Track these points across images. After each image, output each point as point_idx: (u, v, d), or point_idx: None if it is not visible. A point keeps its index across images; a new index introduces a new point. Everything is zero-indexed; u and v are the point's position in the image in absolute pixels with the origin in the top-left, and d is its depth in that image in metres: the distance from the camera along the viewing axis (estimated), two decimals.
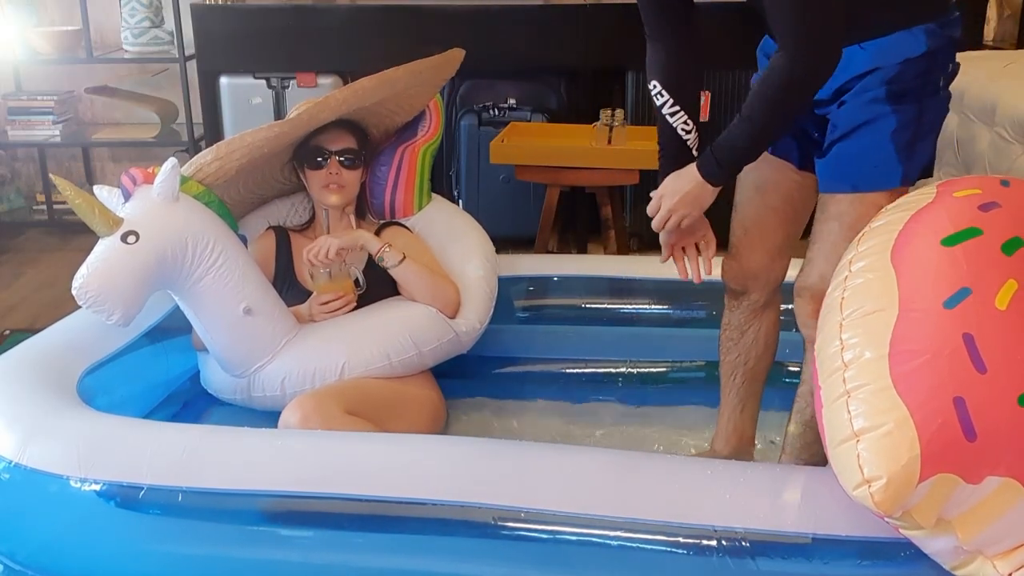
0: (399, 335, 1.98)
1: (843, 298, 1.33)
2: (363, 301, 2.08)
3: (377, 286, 2.10)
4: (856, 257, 1.38)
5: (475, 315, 2.12)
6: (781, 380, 2.11)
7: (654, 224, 1.71)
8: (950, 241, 1.30)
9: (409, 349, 1.99)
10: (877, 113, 1.53)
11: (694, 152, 1.71)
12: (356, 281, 2.09)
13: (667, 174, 1.70)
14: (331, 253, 1.99)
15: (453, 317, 2.09)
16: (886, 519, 1.20)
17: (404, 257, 2.05)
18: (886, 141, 1.53)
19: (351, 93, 2.00)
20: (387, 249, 2.04)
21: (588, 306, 2.44)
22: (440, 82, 2.28)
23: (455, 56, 2.24)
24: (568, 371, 2.41)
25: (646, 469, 1.46)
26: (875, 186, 1.56)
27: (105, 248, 1.78)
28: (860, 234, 1.44)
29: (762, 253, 1.81)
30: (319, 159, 2.10)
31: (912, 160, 1.56)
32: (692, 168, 1.64)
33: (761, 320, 1.87)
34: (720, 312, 1.93)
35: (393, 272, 2.05)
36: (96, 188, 1.91)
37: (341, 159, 2.11)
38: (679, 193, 1.65)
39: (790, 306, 1.72)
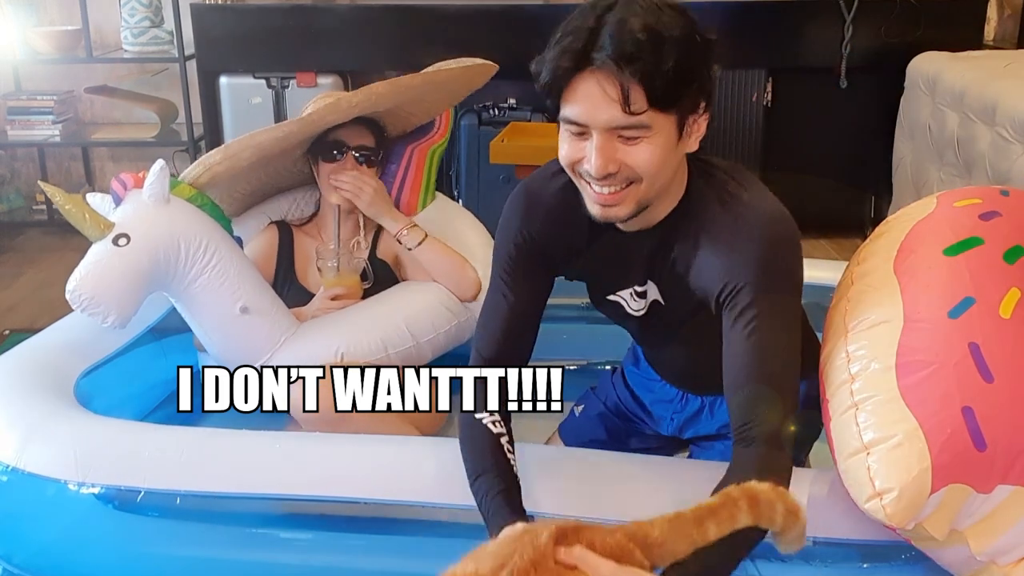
0: (396, 326, 1.98)
1: (847, 310, 1.32)
2: (364, 295, 2.08)
3: (379, 282, 2.10)
4: (859, 268, 1.37)
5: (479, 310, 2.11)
6: None
7: None
8: (952, 251, 1.29)
9: (407, 340, 1.98)
10: None
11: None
12: (364, 272, 2.08)
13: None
14: (365, 195, 2.01)
15: (475, 297, 2.09)
16: (898, 531, 1.19)
17: (425, 236, 2.05)
18: None
19: (364, 98, 1.98)
20: (406, 232, 2.04)
21: (588, 306, 2.42)
22: (466, 91, 2.28)
23: (484, 70, 2.20)
24: (568, 371, 2.40)
25: (645, 471, 1.45)
26: None
27: (97, 252, 1.78)
28: (861, 246, 1.43)
29: None
30: (335, 152, 2.09)
31: None
32: None
33: None
34: None
35: (415, 252, 2.05)
36: (89, 196, 1.90)
37: (357, 155, 2.10)
38: None
39: None
